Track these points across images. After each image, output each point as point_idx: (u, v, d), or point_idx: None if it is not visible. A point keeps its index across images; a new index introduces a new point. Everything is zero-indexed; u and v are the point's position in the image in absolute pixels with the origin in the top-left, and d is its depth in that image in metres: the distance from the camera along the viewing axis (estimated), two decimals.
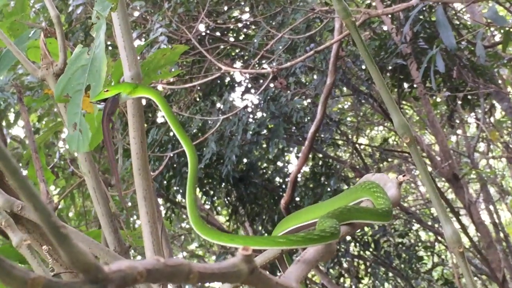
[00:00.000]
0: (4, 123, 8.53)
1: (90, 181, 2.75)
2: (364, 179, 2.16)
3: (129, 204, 8.62)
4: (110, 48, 7.64)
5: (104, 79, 2.39)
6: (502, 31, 7.21)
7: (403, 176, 2.04)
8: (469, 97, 8.15)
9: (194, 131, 7.90)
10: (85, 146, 2.37)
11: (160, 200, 8.95)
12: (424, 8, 7.31)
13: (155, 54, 2.99)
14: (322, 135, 8.53)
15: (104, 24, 2.47)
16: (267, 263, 2.05)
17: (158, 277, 0.85)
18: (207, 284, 9.68)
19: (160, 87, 5.47)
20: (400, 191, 2.04)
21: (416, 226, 10.10)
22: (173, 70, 5.25)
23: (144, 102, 7.79)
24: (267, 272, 1.13)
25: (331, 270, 9.38)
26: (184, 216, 10.58)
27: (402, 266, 9.15)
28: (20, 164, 7.32)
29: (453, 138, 12.32)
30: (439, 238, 10.19)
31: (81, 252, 0.75)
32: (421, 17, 7.46)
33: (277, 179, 9.04)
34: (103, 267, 0.78)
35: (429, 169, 9.43)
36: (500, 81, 9.53)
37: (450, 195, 11.79)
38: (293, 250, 1.67)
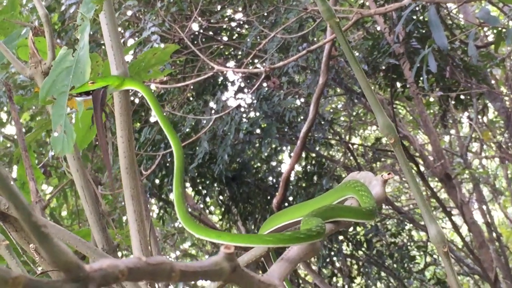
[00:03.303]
0: None
1: (78, 179, 2.75)
2: (350, 178, 2.17)
3: (123, 203, 8.61)
4: (103, 47, 7.63)
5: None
6: (494, 31, 7.23)
7: (388, 174, 2.04)
8: (461, 97, 8.18)
9: (187, 130, 7.89)
10: (70, 148, 2.35)
11: (152, 200, 8.94)
12: (416, 8, 7.32)
13: (146, 54, 2.98)
14: (315, 135, 8.54)
15: (88, 25, 2.47)
16: (255, 261, 2.05)
17: (139, 275, 0.85)
18: (198, 283, 9.69)
19: (153, 86, 5.47)
20: (385, 189, 2.05)
21: (408, 225, 10.11)
22: (165, 69, 5.25)
23: (137, 101, 7.79)
24: (250, 271, 1.13)
25: (323, 270, 9.39)
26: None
27: (395, 265, 9.17)
28: (12, 162, 7.33)
29: (446, 138, 12.35)
30: None
31: (62, 251, 0.75)
32: (413, 17, 7.46)
33: (270, 178, 9.05)
34: (84, 265, 0.78)
35: (422, 168, 9.45)
36: (492, 81, 9.57)
37: (443, 195, 11.80)
38: (280, 249, 1.67)
